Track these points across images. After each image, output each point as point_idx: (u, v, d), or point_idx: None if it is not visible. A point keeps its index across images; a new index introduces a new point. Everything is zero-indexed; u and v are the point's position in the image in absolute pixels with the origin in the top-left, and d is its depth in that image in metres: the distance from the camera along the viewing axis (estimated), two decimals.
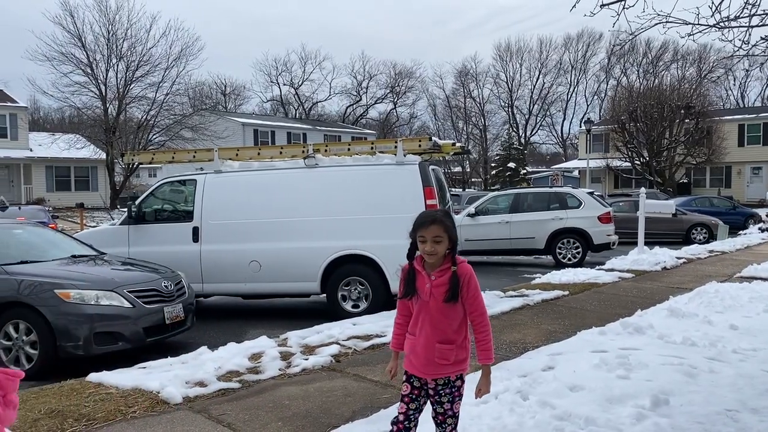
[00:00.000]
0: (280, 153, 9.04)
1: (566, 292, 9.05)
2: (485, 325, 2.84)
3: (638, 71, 57.36)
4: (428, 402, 2.93)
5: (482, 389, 2.87)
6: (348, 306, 8.09)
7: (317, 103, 68.06)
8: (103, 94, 33.78)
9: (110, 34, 33.91)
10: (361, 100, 67.16)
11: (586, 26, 62.67)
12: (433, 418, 2.91)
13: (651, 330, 6.20)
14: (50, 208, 24.39)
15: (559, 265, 13.08)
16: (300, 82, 66.07)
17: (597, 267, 11.79)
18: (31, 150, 35.64)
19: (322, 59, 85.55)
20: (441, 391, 2.84)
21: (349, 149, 8.78)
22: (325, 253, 8.03)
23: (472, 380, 3.00)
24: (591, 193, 15.15)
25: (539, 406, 4.03)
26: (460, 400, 2.89)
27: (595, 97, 64.62)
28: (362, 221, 7.93)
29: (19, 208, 20.71)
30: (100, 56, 33.82)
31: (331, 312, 7.99)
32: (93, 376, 4.99)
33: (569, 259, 13.64)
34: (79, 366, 5.59)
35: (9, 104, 35.99)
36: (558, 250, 13.81)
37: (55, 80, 34.50)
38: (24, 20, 67.35)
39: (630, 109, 37.64)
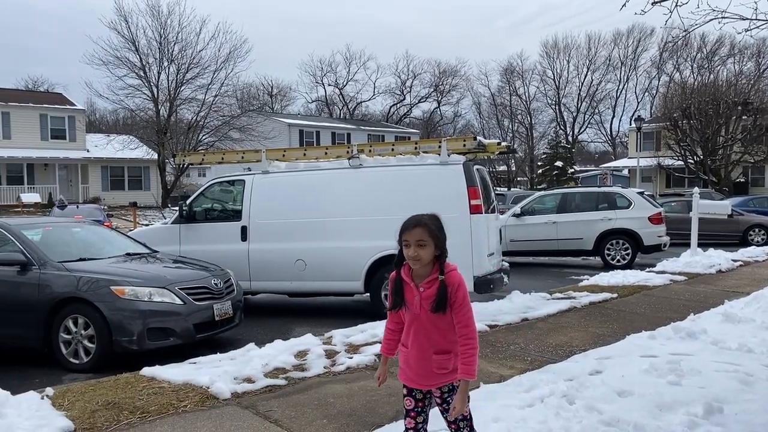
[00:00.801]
0: (326, 154, 9.15)
1: (615, 295, 8.85)
2: (470, 338, 2.68)
3: (692, 66, 55.33)
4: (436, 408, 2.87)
5: (456, 407, 2.67)
6: None
7: (361, 102, 68.56)
8: (155, 96, 34.93)
9: (162, 38, 35.10)
10: (404, 99, 67.29)
11: (637, 21, 60.94)
12: (447, 426, 2.86)
13: (704, 335, 6.00)
14: (105, 207, 25.36)
15: (607, 267, 12.80)
16: (344, 83, 66.69)
17: (647, 269, 11.48)
18: (87, 151, 37.11)
19: (367, 59, 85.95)
20: (448, 398, 2.78)
21: (393, 149, 8.81)
22: (368, 252, 8.08)
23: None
24: (641, 193, 14.74)
25: (586, 410, 3.97)
26: (468, 401, 2.81)
27: (646, 93, 62.80)
28: None
29: (77, 207, 21.65)
30: (153, 59, 35.07)
31: (375, 311, 8.03)
32: (146, 371, 5.17)
33: (618, 261, 13.32)
34: (132, 360, 5.80)
35: (68, 107, 37.58)
36: (606, 252, 13.50)
37: (111, 83, 35.98)
38: (82, 26, 70.20)
39: (683, 106, 36.40)
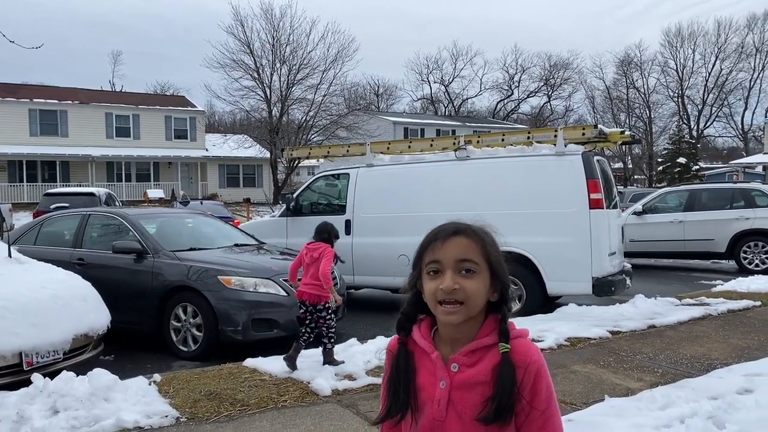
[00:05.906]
0: (431, 146, 8.83)
1: (758, 303, 7.81)
2: None
3: None
4: None
5: None
6: None
7: (467, 99, 67.46)
8: (268, 97, 36.28)
9: (275, 41, 36.32)
10: (512, 94, 65.38)
11: None
12: None
13: None
14: (222, 203, 26.69)
15: (743, 272, 11.46)
16: (450, 79, 65.93)
17: None
18: (206, 150, 39.31)
19: (474, 55, 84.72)
20: None
21: (503, 139, 8.31)
22: None
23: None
24: None
25: None
26: None
27: None
28: (516, 216, 7.43)
29: (201, 203, 22.92)
30: (266, 61, 36.37)
31: None
32: (249, 362, 5.11)
33: (757, 265, 11.87)
34: (237, 349, 5.79)
35: (189, 109, 40.04)
36: (743, 255, 12.08)
37: (227, 85, 37.92)
38: (202, 31, 74.91)
39: None
